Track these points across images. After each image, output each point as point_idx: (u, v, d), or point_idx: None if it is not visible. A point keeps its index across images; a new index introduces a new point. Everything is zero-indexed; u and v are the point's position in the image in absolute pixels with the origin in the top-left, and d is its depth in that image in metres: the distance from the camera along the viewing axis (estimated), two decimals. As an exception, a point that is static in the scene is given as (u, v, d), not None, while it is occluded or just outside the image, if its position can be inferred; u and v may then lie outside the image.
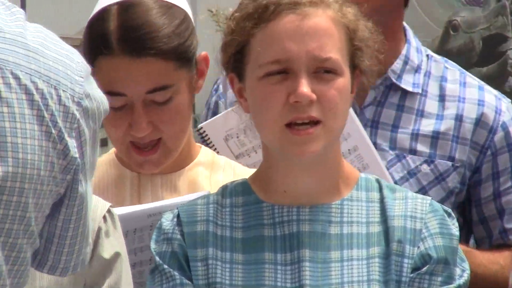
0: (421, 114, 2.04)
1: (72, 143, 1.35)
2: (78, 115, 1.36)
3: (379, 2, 1.94)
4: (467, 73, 2.17)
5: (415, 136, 2.03)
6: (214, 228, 1.62)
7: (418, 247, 1.61)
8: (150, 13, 1.73)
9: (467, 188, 2.06)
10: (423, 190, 2.02)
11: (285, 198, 1.59)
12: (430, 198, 1.68)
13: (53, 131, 1.33)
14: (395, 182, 2.00)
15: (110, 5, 1.79)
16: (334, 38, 1.54)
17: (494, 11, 4.86)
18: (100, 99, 1.40)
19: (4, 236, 1.27)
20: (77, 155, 1.36)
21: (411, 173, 2.02)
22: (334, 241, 1.61)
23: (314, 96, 1.50)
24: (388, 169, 2.02)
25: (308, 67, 1.53)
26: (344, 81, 1.54)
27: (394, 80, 2.00)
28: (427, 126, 2.01)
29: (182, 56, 1.76)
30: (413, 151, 2.02)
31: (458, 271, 1.64)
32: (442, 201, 1.92)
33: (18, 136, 1.29)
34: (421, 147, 2.01)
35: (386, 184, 1.67)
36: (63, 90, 1.34)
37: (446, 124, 1.96)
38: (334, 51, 1.53)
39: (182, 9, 1.80)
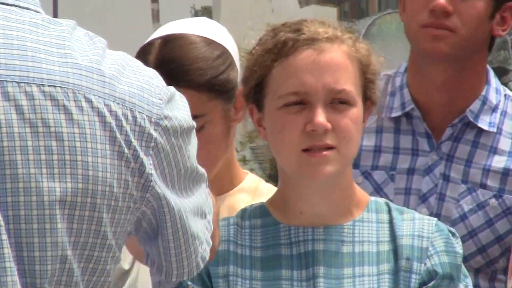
0: (494, 151, 2.12)
1: (148, 160, 1.41)
2: (155, 134, 1.42)
3: (467, 39, 2.03)
4: None
5: (487, 171, 2.12)
6: (234, 247, 1.73)
7: (425, 263, 1.72)
8: (189, 47, 1.84)
9: None
10: (490, 222, 2.12)
11: (301, 220, 1.70)
12: (436, 219, 1.78)
13: (127, 150, 1.40)
14: (465, 214, 2.12)
15: (155, 39, 1.92)
16: (348, 72, 1.65)
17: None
18: (182, 117, 1.45)
19: (79, 249, 1.33)
20: (152, 171, 1.41)
21: (480, 206, 2.12)
22: (346, 259, 1.71)
23: (329, 125, 1.61)
24: (458, 201, 2.12)
25: (324, 99, 1.64)
26: (357, 111, 1.65)
27: (471, 119, 2.09)
28: (499, 162, 2.10)
29: (216, 88, 1.85)
30: (484, 186, 2.10)
31: (461, 286, 1.75)
32: (508, 233, 2.06)
33: (88, 155, 1.35)
34: (491, 182, 2.10)
35: (395, 207, 1.77)
36: (139, 112, 1.40)
37: None
38: (349, 84, 1.64)
39: (221, 44, 1.89)
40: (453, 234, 1.76)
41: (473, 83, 2.08)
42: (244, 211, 1.77)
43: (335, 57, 1.68)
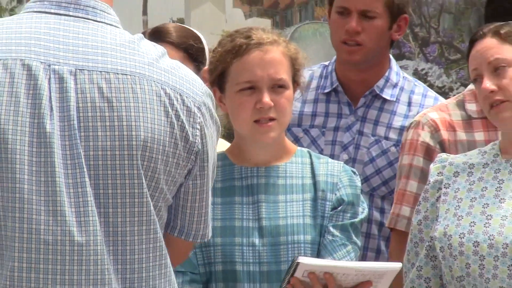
0: (394, 114, 2.77)
1: (193, 132, 1.79)
2: (199, 115, 1.80)
3: (372, 49, 2.70)
4: (429, 89, 2.88)
5: (389, 128, 2.76)
6: None
7: (335, 194, 2.31)
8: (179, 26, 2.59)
9: None
10: (390, 163, 2.74)
11: (249, 163, 2.31)
12: (342, 162, 2.38)
13: (176, 122, 1.77)
14: (373, 158, 2.74)
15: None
16: (284, 65, 2.25)
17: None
18: (216, 116, 1.87)
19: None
20: (196, 141, 1.79)
21: (384, 152, 2.74)
22: (280, 189, 2.30)
23: (272, 104, 2.21)
24: (369, 149, 2.72)
25: (268, 85, 2.22)
26: (290, 92, 2.25)
27: (378, 92, 2.75)
28: (397, 122, 2.74)
29: (191, 51, 2.65)
30: (387, 138, 2.73)
31: (360, 209, 2.34)
32: None
33: (148, 122, 1.73)
34: (392, 135, 2.74)
35: (314, 154, 2.37)
36: (186, 97, 1.79)
37: (409, 121, 2.66)
38: (284, 74, 2.24)
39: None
40: (354, 173, 2.36)
41: (379, 69, 2.76)
42: None
43: (275, 56, 2.27)
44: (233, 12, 2.90)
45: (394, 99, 2.79)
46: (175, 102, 1.80)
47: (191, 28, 2.81)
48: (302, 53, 2.36)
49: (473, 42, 2.37)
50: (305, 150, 2.40)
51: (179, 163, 1.79)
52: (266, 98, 2.24)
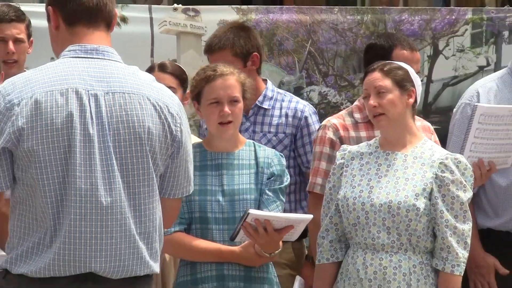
0: (272, 116, 4.01)
1: (176, 129, 2.63)
2: (178, 118, 2.63)
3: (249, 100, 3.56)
4: (294, 96, 4.11)
5: (269, 125, 3.98)
6: None
7: (269, 169, 3.37)
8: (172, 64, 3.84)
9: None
10: (274, 147, 3.83)
11: (216, 149, 3.34)
12: (274, 150, 3.48)
13: (165, 123, 2.61)
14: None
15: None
16: (237, 87, 3.31)
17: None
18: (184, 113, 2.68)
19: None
20: (177, 134, 2.61)
21: (269, 141, 3.90)
22: (235, 167, 3.35)
23: (230, 112, 3.25)
24: (259, 140, 3.85)
25: (227, 100, 3.27)
26: (241, 104, 3.30)
27: (259, 105, 3.90)
28: (274, 121, 3.99)
29: (181, 79, 3.78)
30: (269, 132, 3.95)
31: (285, 179, 3.41)
32: (283, 150, 3.84)
33: (149, 124, 2.57)
34: (272, 130, 3.97)
35: (256, 143, 3.43)
36: (169, 107, 2.63)
37: (282, 120, 3.97)
38: (238, 93, 3.31)
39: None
40: (282, 156, 3.42)
41: (257, 91, 3.86)
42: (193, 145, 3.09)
43: (232, 82, 3.32)
44: (205, 56, 4.27)
45: (271, 107, 4.02)
46: (164, 111, 2.69)
47: (180, 65, 4.03)
48: (249, 80, 3.52)
49: (367, 73, 3.53)
50: (251, 141, 3.57)
51: (168, 148, 2.67)
52: (226, 109, 3.35)
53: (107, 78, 2.67)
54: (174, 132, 2.67)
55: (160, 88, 2.76)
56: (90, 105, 2.65)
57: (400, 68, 3.57)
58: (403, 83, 3.53)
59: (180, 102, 2.78)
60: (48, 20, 2.90)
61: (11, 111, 2.64)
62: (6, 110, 2.65)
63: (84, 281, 2.73)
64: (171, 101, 2.74)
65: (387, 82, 3.49)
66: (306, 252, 4.25)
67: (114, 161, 2.66)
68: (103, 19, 2.78)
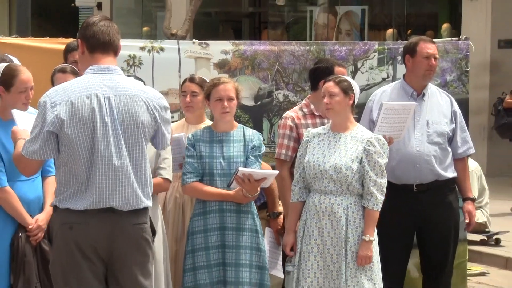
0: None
1: (157, 117, 3.63)
2: (160, 111, 3.64)
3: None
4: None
5: None
6: (200, 138, 4.87)
7: (252, 142, 4.82)
8: None
9: None
10: None
11: (219, 130, 4.82)
12: (256, 131, 4.83)
13: (152, 113, 3.60)
14: None
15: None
16: (233, 91, 4.80)
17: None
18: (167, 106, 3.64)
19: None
20: (158, 120, 3.65)
21: None
22: (231, 141, 4.81)
23: (228, 106, 4.71)
24: None
25: (226, 99, 4.75)
26: (235, 102, 4.78)
27: None
28: None
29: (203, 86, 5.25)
30: None
31: (262, 148, 4.88)
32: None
33: (142, 114, 3.55)
34: None
35: (245, 127, 4.84)
36: (153, 101, 3.61)
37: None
38: (233, 94, 4.79)
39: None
40: (260, 134, 4.85)
41: None
42: (204, 128, 4.92)
43: (229, 87, 4.80)
44: (214, 72, 5.48)
45: None
46: (150, 104, 3.54)
47: (203, 77, 5.32)
48: (240, 87, 4.90)
49: (325, 82, 4.58)
50: (241, 125, 4.89)
51: (152, 129, 3.62)
52: (225, 104, 4.67)
53: (115, 86, 3.56)
54: (158, 120, 3.71)
55: (148, 90, 3.70)
56: (105, 104, 3.53)
57: (346, 80, 4.76)
58: (347, 90, 4.69)
59: (163, 96, 3.78)
60: (78, 48, 3.71)
61: (54, 108, 3.48)
62: (51, 107, 3.50)
63: (106, 212, 3.58)
64: (154, 97, 3.69)
65: (336, 89, 4.69)
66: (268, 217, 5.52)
67: (122, 138, 3.57)
68: (112, 49, 3.63)
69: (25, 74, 4.55)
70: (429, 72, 5.58)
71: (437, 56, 5.66)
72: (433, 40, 5.85)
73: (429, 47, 5.54)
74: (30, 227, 4.46)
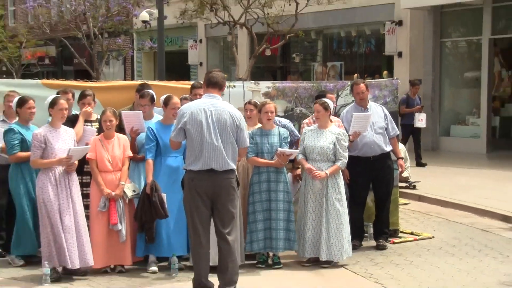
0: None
1: (237, 123, 7.04)
2: (240, 120, 7.09)
3: None
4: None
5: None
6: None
7: (284, 135, 9.09)
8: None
9: None
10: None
11: (266, 128, 8.99)
12: (285, 129, 9.42)
13: (233, 120, 7.05)
14: None
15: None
16: (273, 108, 8.91)
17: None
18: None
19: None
20: (237, 124, 7.01)
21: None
22: (271, 136, 8.96)
23: (271, 116, 8.99)
24: None
25: (270, 112, 8.85)
26: (274, 114, 8.88)
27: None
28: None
29: None
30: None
31: (289, 139, 9.15)
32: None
33: (228, 121, 6.92)
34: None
35: (280, 128, 9.13)
36: (233, 113, 7.00)
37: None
38: (273, 110, 8.94)
39: None
40: (288, 130, 9.45)
41: None
42: (257, 128, 9.02)
43: (271, 107, 8.88)
44: (262, 98, 7.99)
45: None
46: (233, 116, 6.88)
47: (256, 101, 8.86)
48: (277, 106, 9.25)
49: (315, 103, 8.64)
50: (277, 126, 8.84)
51: (235, 130, 6.80)
52: (269, 115, 8.85)
53: (214, 104, 6.39)
54: (236, 123, 6.35)
55: (230, 106, 6.30)
56: (208, 113, 6.35)
57: (326, 102, 8.40)
58: (326, 107, 8.35)
59: (241, 112, 6.52)
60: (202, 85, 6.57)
61: (183, 115, 6.26)
62: (182, 115, 6.27)
63: (210, 171, 6.26)
64: (234, 111, 6.37)
65: (321, 108, 8.39)
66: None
67: (217, 132, 6.41)
68: (219, 86, 6.40)
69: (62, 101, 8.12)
70: (362, 100, 9.54)
71: (364, 90, 9.57)
72: (376, 80, 11.48)
73: (359, 87, 9.54)
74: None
